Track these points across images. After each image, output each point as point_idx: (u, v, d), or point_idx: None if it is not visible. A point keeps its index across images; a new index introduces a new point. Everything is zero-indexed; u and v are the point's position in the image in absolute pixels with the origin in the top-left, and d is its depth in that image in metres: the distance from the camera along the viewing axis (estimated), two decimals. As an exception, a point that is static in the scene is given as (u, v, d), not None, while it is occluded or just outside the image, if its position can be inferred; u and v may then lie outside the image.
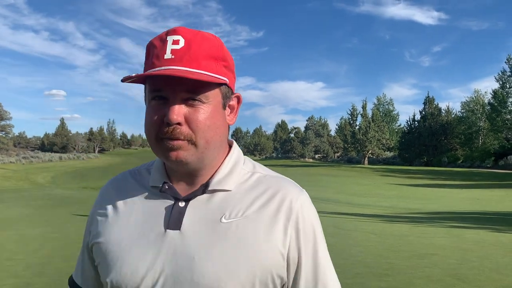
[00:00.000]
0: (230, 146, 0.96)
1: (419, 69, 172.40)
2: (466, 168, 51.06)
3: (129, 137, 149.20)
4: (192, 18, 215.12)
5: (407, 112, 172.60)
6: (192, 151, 0.82)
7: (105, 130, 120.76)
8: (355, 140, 62.63)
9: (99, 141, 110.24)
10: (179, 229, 0.83)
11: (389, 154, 69.46)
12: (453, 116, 65.06)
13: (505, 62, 53.84)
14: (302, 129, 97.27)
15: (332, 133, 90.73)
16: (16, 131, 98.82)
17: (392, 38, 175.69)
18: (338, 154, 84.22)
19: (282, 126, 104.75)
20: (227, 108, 0.89)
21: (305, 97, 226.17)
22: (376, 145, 62.26)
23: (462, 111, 65.21)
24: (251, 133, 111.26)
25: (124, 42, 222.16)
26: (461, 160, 58.08)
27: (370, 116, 64.12)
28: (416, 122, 64.40)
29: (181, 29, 0.83)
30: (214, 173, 0.89)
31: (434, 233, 9.87)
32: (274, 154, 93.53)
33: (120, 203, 0.93)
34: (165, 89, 0.81)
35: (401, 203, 20.07)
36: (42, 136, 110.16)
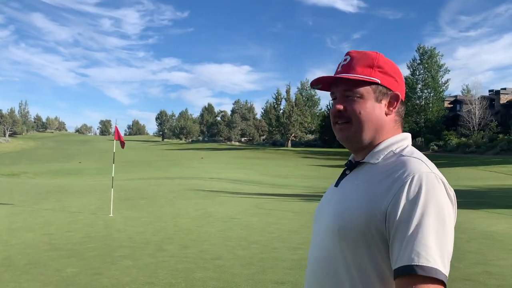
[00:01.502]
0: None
1: (339, 55, 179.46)
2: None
3: (44, 119, 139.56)
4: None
5: (328, 97, 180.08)
6: (349, 131, 1.18)
7: (16, 112, 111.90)
8: (279, 124, 64.36)
9: (10, 124, 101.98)
10: (337, 187, 1.24)
11: (311, 137, 72.27)
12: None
13: (416, 50, 58.16)
14: (229, 112, 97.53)
15: (258, 116, 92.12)
16: None
17: (315, 24, 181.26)
18: (264, 137, 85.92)
19: (208, 109, 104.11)
20: (382, 101, 1.19)
21: (232, 80, 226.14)
22: (298, 129, 64.52)
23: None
24: (176, 116, 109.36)
25: (37, 17, 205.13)
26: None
27: (293, 101, 66.02)
28: (336, 107, 67.69)
29: (352, 51, 1.24)
30: (370, 150, 1.20)
31: None
32: (200, 138, 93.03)
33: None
34: (334, 91, 1.23)
35: (321, 183, 21.16)
36: None
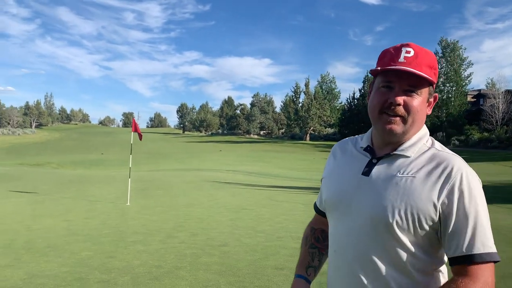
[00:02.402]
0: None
1: (362, 48, 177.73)
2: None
3: (68, 111, 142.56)
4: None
5: (350, 90, 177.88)
6: (401, 126, 1.22)
7: (42, 104, 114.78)
8: (297, 117, 64.24)
9: (36, 115, 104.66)
10: (368, 176, 1.26)
11: (330, 130, 71.91)
12: (390, 94, 68.24)
13: (438, 43, 57.13)
14: (248, 105, 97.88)
15: (278, 110, 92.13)
16: None
17: (337, 17, 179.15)
18: (282, 130, 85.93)
19: (228, 102, 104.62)
20: (428, 102, 1.27)
21: (252, 73, 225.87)
22: (317, 122, 64.28)
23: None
24: (197, 109, 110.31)
25: (63, 11, 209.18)
26: (396, 137, 61.47)
27: (312, 94, 65.76)
28: (355, 100, 66.97)
29: (412, 44, 1.25)
30: (402, 143, 1.26)
31: None
32: (220, 131, 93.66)
33: (339, 155, 1.43)
34: (394, 81, 1.21)
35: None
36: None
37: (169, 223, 8.03)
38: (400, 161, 1.25)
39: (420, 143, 1.27)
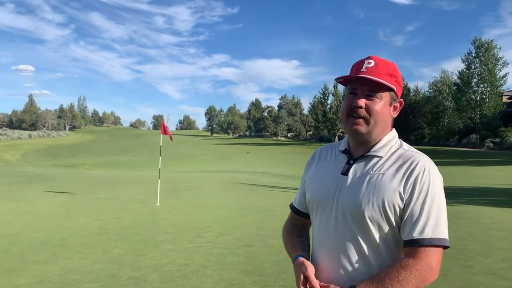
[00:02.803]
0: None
1: (392, 48, 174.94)
2: (432, 146, 53.05)
3: (101, 114, 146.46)
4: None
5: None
6: (365, 126, 1.42)
7: (75, 107, 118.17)
8: (326, 119, 63.78)
9: (69, 118, 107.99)
10: (347, 175, 1.44)
11: (359, 132, 71.03)
12: (421, 95, 66.86)
13: (471, 43, 55.58)
14: (276, 108, 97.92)
15: (305, 112, 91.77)
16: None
17: (367, 17, 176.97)
18: (310, 132, 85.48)
19: (256, 104, 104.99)
20: (392, 106, 1.46)
21: (280, 75, 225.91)
22: (346, 124, 63.64)
23: (430, 91, 67.08)
24: (225, 111, 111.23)
25: (95, 16, 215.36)
26: (427, 139, 60.15)
27: (341, 95, 65.16)
28: (385, 102, 66.05)
29: (374, 56, 1.46)
30: (375, 144, 1.45)
31: None
32: (247, 133, 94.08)
33: (321, 159, 1.60)
34: (357, 88, 1.43)
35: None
36: (10, 113, 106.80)
37: (197, 223, 8.21)
38: (373, 160, 1.44)
39: (390, 144, 1.46)
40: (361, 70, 1.42)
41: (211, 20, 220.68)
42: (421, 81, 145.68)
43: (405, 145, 1.48)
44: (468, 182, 18.83)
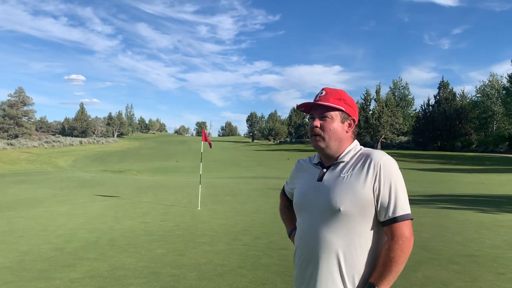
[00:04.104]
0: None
1: (438, 52, 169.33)
2: (479, 153, 50.95)
3: (147, 121, 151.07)
4: (209, 3, 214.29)
5: (426, 96, 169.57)
6: (322, 141, 1.77)
7: (123, 115, 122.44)
8: (368, 125, 62.65)
9: (117, 125, 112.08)
10: (322, 181, 1.76)
11: (403, 138, 69.23)
12: (468, 100, 64.37)
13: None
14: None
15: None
16: (37, 116, 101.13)
17: (411, 20, 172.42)
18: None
19: (297, 110, 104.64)
20: (345, 123, 1.80)
21: (322, 81, 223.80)
22: (389, 130, 62.20)
23: (478, 95, 64.45)
24: (266, 117, 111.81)
25: (142, 27, 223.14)
26: (474, 145, 57.77)
27: (384, 101, 63.87)
28: (430, 107, 64.01)
29: (326, 88, 1.83)
30: (339, 155, 1.79)
31: (423, 213, 10.49)
32: (288, 139, 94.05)
33: (302, 169, 1.96)
34: (314, 113, 1.81)
35: (406, 187, 20.61)
36: (62, 120, 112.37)
37: (235, 227, 8.55)
38: (341, 165, 1.77)
39: (352, 151, 1.79)
40: (316, 100, 1.81)
41: (253, 28, 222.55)
42: (469, 85, 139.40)
43: (364, 148, 1.81)
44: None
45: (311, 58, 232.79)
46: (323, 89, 1.84)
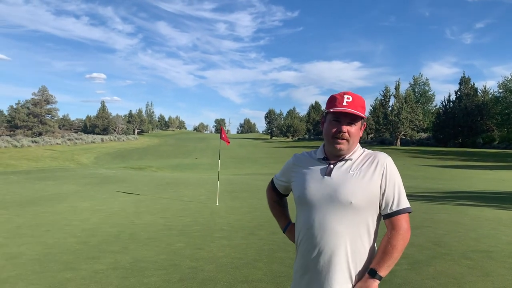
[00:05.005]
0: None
1: (460, 47, 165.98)
2: (501, 150, 49.94)
3: (166, 119, 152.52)
4: (227, 0, 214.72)
5: (446, 92, 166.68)
6: (346, 145, 1.94)
7: (143, 113, 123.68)
8: (387, 122, 62.05)
9: (138, 123, 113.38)
10: (330, 176, 1.92)
11: (423, 135, 68.30)
12: (490, 96, 63.08)
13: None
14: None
15: (367, 114, 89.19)
16: (60, 114, 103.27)
17: (432, 15, 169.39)
18: (371, 135, 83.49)
19: (315, 107, 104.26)
20: (361, 127, 2.00)
21: (341, 77, 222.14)
22: (408, 126, 61.47)
23: (500, 91, 63.09)
24: (284, 114, 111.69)
25: (161, 25, 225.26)
26: (497, 142, 56.66)
27: (403, 97, 63.09)
28: (451, 103, 62.99)
29: (350, 92, 1.96)
30: (346, 153, 1.97)
31: (439, 210, 10.48)
32: (306, 136, 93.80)
33: (302, 164, 2.09)
34: (341, 117, 1.93)
35: (425, 184, 20.40)
36: (84, 118, 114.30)
37: (252, 222, 8.76)
38: (348, 163, 1.97)
39: (358, 151, 2.01)
40: (343, 104, 1.93)
41: (271, 24, 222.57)
42: (492, 80, 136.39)
43: (366, 149, 2.04)
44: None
45: (329, 54, 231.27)
46: (348, 94, 1.95)
